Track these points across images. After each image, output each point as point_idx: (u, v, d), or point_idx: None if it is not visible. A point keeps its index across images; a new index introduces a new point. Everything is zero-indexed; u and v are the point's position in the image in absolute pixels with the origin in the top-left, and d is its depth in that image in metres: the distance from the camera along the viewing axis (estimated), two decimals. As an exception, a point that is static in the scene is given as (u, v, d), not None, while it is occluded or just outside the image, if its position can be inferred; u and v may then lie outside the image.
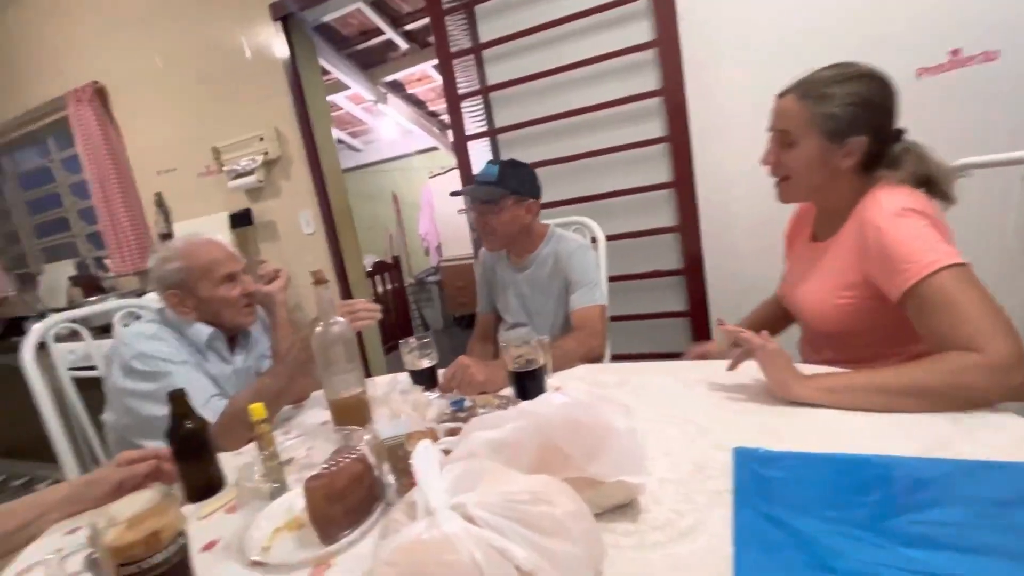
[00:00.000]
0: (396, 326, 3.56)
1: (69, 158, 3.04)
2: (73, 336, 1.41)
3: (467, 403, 0.79)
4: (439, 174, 5.46)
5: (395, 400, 0.80)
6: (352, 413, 0.87)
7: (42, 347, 1.21)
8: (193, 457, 0.77)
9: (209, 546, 0.64)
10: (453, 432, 0.69)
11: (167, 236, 2.70)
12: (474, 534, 0.41)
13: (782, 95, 0.89)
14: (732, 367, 0.88)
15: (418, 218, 5.94)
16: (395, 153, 5.92)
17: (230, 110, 2.43)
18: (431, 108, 5.11)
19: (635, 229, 1.85)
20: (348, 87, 4.16)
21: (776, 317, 1.19)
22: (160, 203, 2.73)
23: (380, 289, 3.43)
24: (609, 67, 1.79)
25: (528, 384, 0.89)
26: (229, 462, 0.84)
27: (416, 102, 4.93)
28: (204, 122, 2.50)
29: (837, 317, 0.88)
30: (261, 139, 2.33)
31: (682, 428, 0.73)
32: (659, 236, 1.84)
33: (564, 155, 1.89)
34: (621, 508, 0.57)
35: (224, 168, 2.43)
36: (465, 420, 0.74)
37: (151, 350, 1.00)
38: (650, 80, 1.77)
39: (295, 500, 0.68)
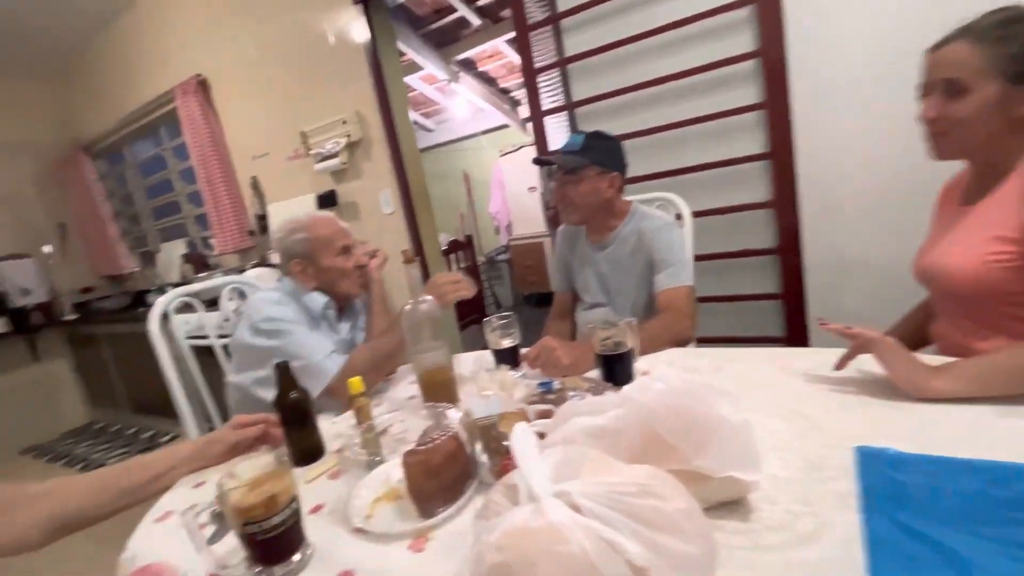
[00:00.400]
0: (470, 304, 3.63)
1: (178, 146, 3.35)
2: (187, 308, 1.56)
3: (556, 385, 0.78)
4: (510, 152, 5.43)
5: (482, 378, 0.80)
6: (439, 389, 0.89)
7: (164, 317, 1.35)
8: (297, 424, 0.82)
9: (315, 509, 0.68)
10: (544, 415, 0.68)
11: (262, 217, 2.91)
12: (583, 524, 0.40)
13: (940, 45, 0.81)
14: (840, 365, 0.79)
15: (488, 197, 5.98)
16: (466, 132, 5.96)
17: (316, 95, 2.54)
18: (502, 85, 5.07)
19: (724, 205, 1.73)
20: (422, 68, 4.22)
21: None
22: (255, 186, 2.93)
23: (454, 267, 3.51)
24: (697, 29, 1.66)
25: (616, 368, 0.86)
26: (327, 431, 0.89)
27: (487, 79, 4.91)
28: (292, 108, 2.64)
29: (985, 275, 0.78)
30: (344, 122, 2.42)
31: (790, 422, 0.67)
32: (750, 212, 1.71)
33: (646, 127, 1.79)
34: (728, 505, 0.54)
35: (311, 151, 2.55)
36: (554, 403, 0.73)
37: (276, 313, 1.10)
38: (744, 41, 1.61)
39: (391, 471, 0.71)
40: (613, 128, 1.46)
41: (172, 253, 3.57)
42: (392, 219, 2.48)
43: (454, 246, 3.75)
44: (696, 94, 1.73)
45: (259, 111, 2.79)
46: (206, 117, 2.93)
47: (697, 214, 1.59)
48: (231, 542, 0.57)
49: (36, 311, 3.50)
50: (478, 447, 0.65)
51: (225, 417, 1.16)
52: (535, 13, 1.97)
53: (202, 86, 2.93)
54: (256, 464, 0.58)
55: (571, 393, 0.75)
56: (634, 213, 1.37)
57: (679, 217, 1.53)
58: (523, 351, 1.03)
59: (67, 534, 0.77)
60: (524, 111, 5.43)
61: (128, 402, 3.51)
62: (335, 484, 0.74)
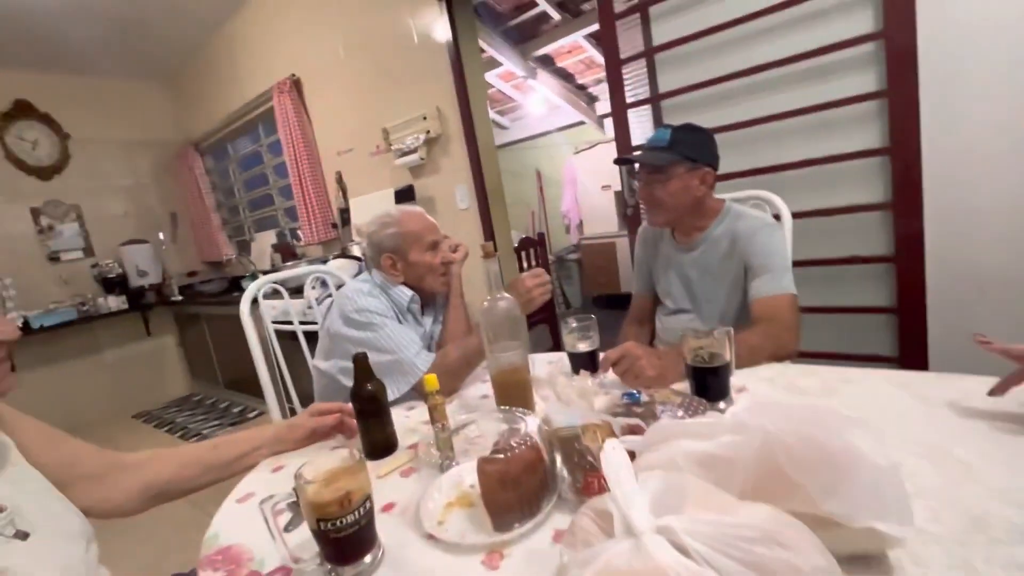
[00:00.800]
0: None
1: (273, 143, 3.58)
2: (275, 295, 1.64)
3: (642, 397, 0.71)
4: (584, 150, 5.33)
5: (560, 383, 0.75)
6: (515, 391, 0.85)
7: (254, 302, 1.42)
8: (372, 417, 0.81)
9: (387, 508, 0.66)
10: (633, 430, 0.62)
11: (345, 211, 3.04)
12: (694, 572, 0.33)
13: None
14: (999, 391, 0.66)
15: (560, 195, 5.91)
16: (540, 130, 5.92)
17: (398, 92, 2.60)
18: (579, 81, 4.97)
19: (829, 205, 1.55)
20: (500, 64, 4.23)
21: None
22: (340, 181, 3.07)
23: (526, 265, 3.48)
24: (805, 10, 1.50)
25: (710, 381, 0.77)
26: (400, 425, 0.88)
27: (565, 75, 4.84)
28: (376, 104, 2.72)
29: None
30: (424, 118, 2.46)
31: (938, 465, 0.56)
32: (859, 215, 1.52)
33: (740, 120, 1.65)
34: (862, 560, 0.45)
35: (392, 147, 2.62)
36: (642, 416, 0.66)
37: (369, 305, 1.12)
38: (863, 21, 1.43)
39: (463, 475, 0.68)
40: (704, 121, 1.35)
41: (264, 242, 3.83)
42: (467, 215, 2.49)
43: (525, 243, 3.73)
44: (799, 83, 1.56)
45: (345, 108, 2.91)
46: (298, 115, 3.10)
47: (797, 215, 1.44)
48: (306, 534, 0.56)
49: (150, 291, 3.90)
50: (559, 460, 0.60)
51: (306, 400, 1.19)
52: (620, 1, 1.88)
53: (296, 85, 3.11)
54: (333, 458, 0.56)
55: (660, 407, 0.68)
56: (727, 213, 1.25)
57: (777, 218, 1.39)
58: (602, 355, 0.97)
59: (161, 503, 0.81)
60: (601, 107, 5.29)
61: (223, 378, 3.83)
62: (407, 482, 0.72)
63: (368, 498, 0.54)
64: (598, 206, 5.36)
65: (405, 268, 1.21)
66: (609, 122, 5.28)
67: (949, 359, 1.47)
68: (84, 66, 3.68)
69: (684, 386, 0.83)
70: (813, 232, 1.57)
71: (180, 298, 3.94)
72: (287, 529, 0.64)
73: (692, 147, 1.21)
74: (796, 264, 1.35)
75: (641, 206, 1.97)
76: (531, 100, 5.28)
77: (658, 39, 1.82)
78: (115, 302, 3.69)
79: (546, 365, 1.08)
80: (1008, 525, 0.46)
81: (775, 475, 0.44)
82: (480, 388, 1.07)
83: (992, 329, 1.42)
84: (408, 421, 0.95)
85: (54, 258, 3.69)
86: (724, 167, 1.31)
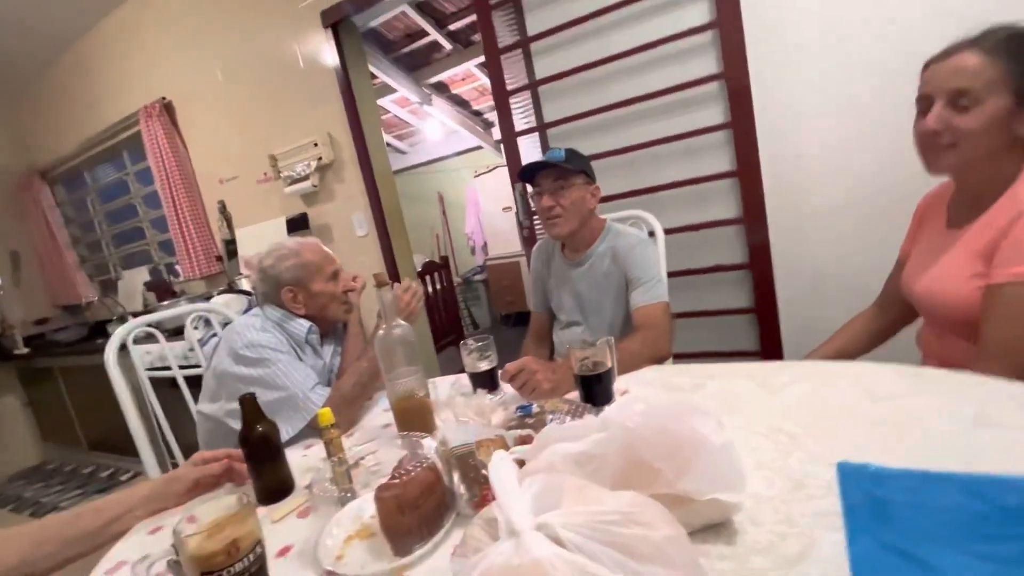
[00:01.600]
0: (447, 325, 3.59)
1: (142, 171, 3.25)
2: (148, 339, 1.49)
3: (534, 408, 0.76)
4: (483, 173, 5.47)
5: (458, 404, 0.77)
6: (415, 417, 0.86)
7: (123, 348, 1.28)
8: (264, 459, 0.77)
9: (283, 552, 0.64)
10: (524, 440, 0.66)
11: (231, 242, 2.83)
12: (567, 560, 0.38)
13: (945, 56, 0.81)
14: None
15: (464, 218, 6.00)
16: (439, 154, 5.98)
17: (285, 118, 2.51)
18: (475, 107, 5.12)
19: (695, 221, 1.76)
20: (395, 90, 4.23)
21: (871, 333, 1.08)
22: (223, 210, 2.86)
23: (431, 288, 3.47)
24: (663, 52, 1.71)
25: (596, 388, 0.84)
26: (296, 464, 0.85)
27: (460, 102, 4.96)
28: (261, 131, 2.60)
29: (974, 304, 0.79)
30: (315, 144, 2.39)
31: (772, 439, 0.67)
32: (721, 228, 1.75)
33: (617, 147, 1.83)
34: (713, 528, 0.52)
35: (281, 174, 2.51)
36: (534, 427, 0.71)
37: (260, 340, 1.06)
38: (708, 64, 1.67)
39: (364, 506, 0.68)
40: (585, 148, 1.48)
41: (134, 281, 3.43)
42: (365, 241, 2.45)
43: (430, 267, 3.72)
44: (664, 114, 1.77)
45: (226, 134, 2.74)
46: (171, 141, 2.86)
47: (669, 231, 1.62)
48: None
49: (-15, 344, 3.30)
50: (456, 477, 0.62)
51: (190, 452, 1.09)
52: (505, 37, 2.00)
53: (167, 109, 2.87)
54: (218, 506, 0.54)
55: (550, 416, 0.74)
56: (608, 231, 1.38)
57: (652, 234, 1.55)
58: (501, 372, 1.01)
59: None
60: (497, 132, 5.48)
61: (85, 439, 3.32)
62: (304, 523, 0.70)
63: (258, 543, 0.52)
64: (501, 227, 5.51)
65: (307, 299, 1.17)
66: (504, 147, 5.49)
67: (800, 348, 1.72)
68: None
69: (576, 395, 0.90)
70: (683, 245, 1.77)
71: (26, 351, 3.37)
72: (167, 593, 0.59)
73: (585, 164, 1.33)
74: (669, 275, 1.52)
75: (537, 223, 2.08)
76: (428, 125, 5.33)
77: (540, 73, 1.96)
78: (-65, 362, 3.07)
79: (447, 387, 1.10)
80: (820, 482, 0.57)
81: (638, 465, 0.50)
82: (382, 417, 1.06)
83: (830, 320, 1.70)
84: (306, 460, 0.91)
85: None
86: (604, 189, 1.45)
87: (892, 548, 0.47)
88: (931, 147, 0.84)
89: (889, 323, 1.08)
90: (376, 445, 0.80)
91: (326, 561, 0.58)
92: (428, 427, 0.85)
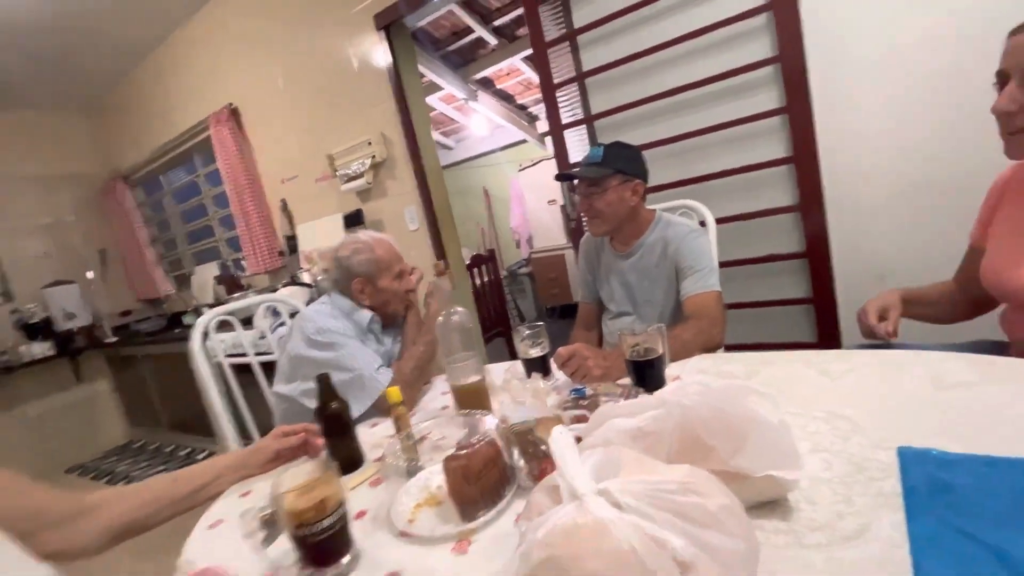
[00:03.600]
0: (494, 317, 3.66)
1: (211, 172, 3.49)
2: (221, 328, 1.62)
3: (588, 391, 0.79)
4: (528, 167, 5.50)
5: (515, 387, 0.81)
6: (473, 399, 0.91)
7: (205, 336, 1.40)
8: (337, 434, 0.85)
9: (360, 515, 0.70)
10: (579, 420, 0.70)
11: (291, 238, 3.01)
12: (628, 520, 0.41)
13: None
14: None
15: (509, 212, 6.05)
16: (484, 149, 6.06)
17: (341, 119, 2.63)
18: (520, 101, 5.15)
19: (747, 210, 1.72)
20: (441, 88, 4.32)
21: (952, 303, 1.02)
22: (285, 208, 3.04)
23: (478, 281, 3.54)
24: (714, 38, 1.68)
25: (647, 373, 0.86)
26: (364, 440, 0.92)
27: (505, 96, 4.99)
28: (319, 132, 2.74)
29: None
30: (369, 143, 2.50)
31: (831, 424, 0.67)
32: (776, 217, 1.70)
33: (666, 137, 1.81)
34: (769, 505, 0.54)
35: (338, 172, 2.64)
36: (588, 408, 0.74)
37: (330, 325, 1.15)
38: (762, 48, 1.62)
39: (430, 478, 0.73)
40: (633, 138, 1.49)
41: (206, 275, 3.69)
42: (417, 235, 2.54)
43: (477, 260, 3.80)
44: (715, 101, 1.74)
45: (288, 136, 2.90)
46: (237, 144, 3.06)
47: (720, 220, 1.59)
48: (283, 546, 0.59)
49: (79, 334, 3.66)
50: (516, 453, 0.66)
51: (264, 431, 1.20)
52: (551, 31, 2.02)
53: (234, 114, 3.06)
54: (301, 472, 0.60)
55: (604, 398, 0.76)
56: (658, 221, 1.38)
57: (703, 224, 1.53)
58: (552, 358, 1.04)
59: (122, 541, 0.81)
60: (542, 126, 5.49)
61: (166, 421, 3.63)
62: (376, 491, 0.76)
63: (342, 503, 0.58)
64: (545, 220, 5.52)
65: (373, 293, 1.26)
66: (550, 140, 5.49)
67: (859, 340, 1.66)
68: (-7, 99, 3.46)
69: (627, 381, 0.92)
70: (736, 235, 1.73)
71: (114, 339, 3.71)
72: (264, 544, 0.67)
73: (624, 161, 1.33)
74: (721, 264, 1.50)
75: (583, 217, 2.10)
76: (474, 121, 5.41)
77: (587, 64, 1.96)
78: (39, 349, 3.44)
79: (501, 373, 1.15)
80: (880, 465, 0.57)
81: (693, 442, 0.52)
82: (439, 400, 1.12)
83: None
84: (372, 436, 0.98)
85: (-37, 307, 3.41)
86: (653, 179, 1.45)
87: (954, 528, 0.47)
88: (1006, 129, 0.78)
89: (967, 305, 1.01)
90: (437, 424, 0.85)
91: (399, 523, 0.63)
92: (485, 408, 0.90)
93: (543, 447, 0.63)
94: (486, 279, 3.73)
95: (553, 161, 2.15)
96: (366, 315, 1.26)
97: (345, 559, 0.58)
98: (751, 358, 0.95)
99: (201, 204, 3.75)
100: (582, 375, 0.97)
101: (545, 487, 0.51)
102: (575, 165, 1.40)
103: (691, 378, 0.94)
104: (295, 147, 2.88)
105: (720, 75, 1.67)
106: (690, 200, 1.60)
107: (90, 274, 3.97)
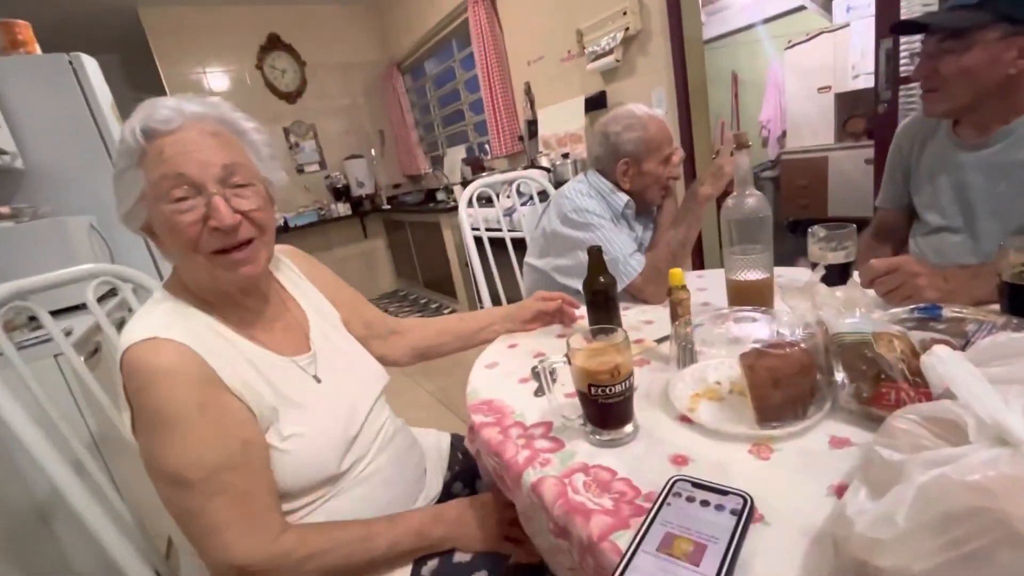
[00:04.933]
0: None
1: (465, 58, 3.70)
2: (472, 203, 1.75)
3: (946, 312, 0.59)
4: (799, 43, 4.43)
5: (821, 292, 0.66)
6: (754, 298, 0.79)
7: (469, 204, 1.54)
8: (602, 308, 0.84)
9: (630, 390, 0.69)
10: (938, 344, 0.53)
11: (532, 123, 3.06)
12: None
13: None
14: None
15: (760, 102, 5.10)
16: (743, 23, 5.04)
17: (595, -14, 2.42)
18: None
19: None
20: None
21: None
22: (528, 91, 3.07)
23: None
24: None
25: (1041, 305, 0.61)
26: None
27: (789, -55, 3.94)
28: (570, 4, 2.58)
29: None
30: (624, 14, 2.26)
31: None
32: None
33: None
34: None
35: (586, 50, 2.49)
36: (947, 333, 0.56)
37: (587, 206, 1.14)
38: None
39: (707, 370, 0.67)
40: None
41: (455, 157, 4.12)
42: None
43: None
44: None
45: (538, 12, 2.82)
46: (491, 25, 3.11)
47: None
48: (557, 399, 0.62)
49: (365, 200, 4.56)
50: (838, 367, 0.54)
51: (513, 299, 1.29)
52: None
53: (490, -7, 3.09)
54: (603, 337, 0.59)
55: (972, 326, 0.57)
56: (1063, 99, 0.92)
57: None
58: (860, 270, 0.83)
59: (422, 360, 0.99)
60: (832, -16, 4.25)
61: (423, 278, 4.40)
62: (643, 371, 0.74)
63: (632, 375, 0.56)
64: (810, 113, 4.52)
65: (635, 175, 1.18)
66: (839, 4, 4.24)
67: None
68: (308, -5, 4.15)
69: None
70: None
71: (388, 207, 4.53)
72: (537, 394, 0.72)
73: (1021, 3, 0.89)
74: None
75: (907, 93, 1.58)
76: (739, -16, 4.47)
77: None
78: (343, 208, 4.41)
79: (777, 277, 0.98)
80: None
81: None
82: (697, 296, 1.03)
83: None
84: (626, 320, 0.96)
85: (300, 170, 4.51)
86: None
87: None
88: None
89: None
90: (704, 319, 0.77)
91: (680, 407, 0.59)
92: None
93: (890, 369, 0.50)
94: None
95: (837, 34, 1.64)
96: (622, 198, 1.19)
97: (628, 428, 0.57)
98: None
99: (455, 89, 4.07)
100: (905, 296, 0.75)
101: (920, 416, 0.39)
102: (910, 20, 0.99)
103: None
104: (545, 24, 2.79)
105: None
106: None
107: (373, 151, 4.81)
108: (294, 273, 0.85)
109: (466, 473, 0.90)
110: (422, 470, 0.85)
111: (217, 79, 4.04)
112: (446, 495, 0.86)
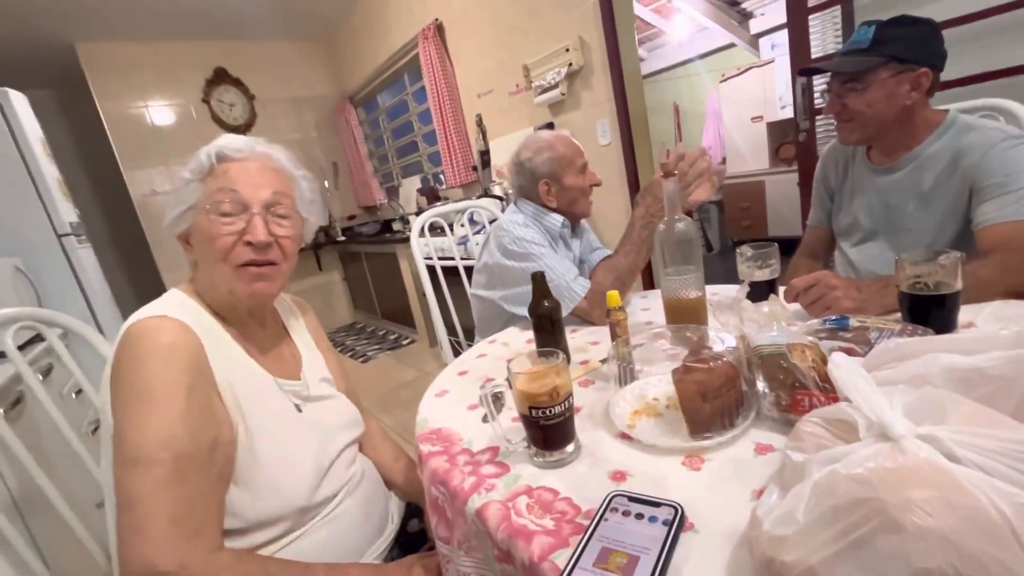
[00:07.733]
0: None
1: (418, 91, 3.76)
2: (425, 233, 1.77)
3: (852, 322, 0.65)
4: (732, 76, 4.76)
5: (746, 308, 0.71)
6: (689, 316, 0.83)
7: (420, 234, 1.55)
8: (548, 331, 0.86)
9: (575, 410, 0.71)
10: (846, 352, 0.57)
11: (485, 153, 3.13)
12: (982, 478, 0.31)
13: None
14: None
15: (701, 130, 5.42)
16: (681, 58, 5.40)
17: (539, 25, 2.53)
18: (733, -6, 4.37)
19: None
20: (642, -15, 3.88)
21: None
22: (479, 123, 3.14)
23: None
24: None
25: (935, 314, 0.67)
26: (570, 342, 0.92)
27: (715, -10, 4.29)
28: (516, 41, 2.69)
29: None
30: (567, 50, 2.37)
31: None
32: None
33: (962, 14, 1.33)
34: None
35: (533, 84, 2.59)
36: (852, 342, 0.61)
37: (525, 235, 1.16)
38: None
39: (646, 387, 0.70)
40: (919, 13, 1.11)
41: (410, 187, 4.14)
42: (608, 151, 2.41)
43: (663, 183, 3.54)
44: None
45: (486, 49, 2.92)
46: (441, 60, 3.20)
47: (1049, 127, 1.14)
48: (505, 424, 0.63)
49: (320, 231, 4.48)
50: (759, 377, 0.58)
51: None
52: None
53: (439, 30, 3.19)
54: (541, 360, 0.61)
55: (874, 333, 0.62)
56: (951, 125, 1.04)
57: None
58: (785, 287, 0.90)
59: None
60: (756, 24, 4.63)
61: (380, 309, 4.33)
62: (587, 391, 0.77)
63: (571, 395, 0.58)
64: (746, 140, 4.82)
65: (559, 192, 1.22)
66: (765, 42, 4.61)
67: None
68: (260, 32, 4.15)
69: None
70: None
71: (343, 238, 4.47)
72: (484, 420, 0.72)
73: (903, 45, 1.01)
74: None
75: (823, 126, 1.73)
76: (675, 24, 4.81)
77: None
78: (295, 241, 4.31)
79: (711, 296, 1.04)
80: None
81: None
82: (641, 315, 1.07)
83: None
84: (573, 342, 0.99)
85: (249, 204, 4.39)
86: (949, 71, 1.08)
87: None
88: None
89: None
90: (649, 336, 0.80)
91: (620, 424, 0.62)
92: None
93: (798, 376, 0.54)
94: (673, 203, 3.46)
95: (765, 69, 1.78)
96: (557, 218, 1.23)
97: (570, 447, 0.59)
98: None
99: (409, 121, 4.12)
100: (825, 307, 0.82)
101: (823, 419, 0.43)
102: (832, 55, 1.11)
103: (989, 328, 0.72)
104: (492, 59, 2.90)
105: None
106: (1000, 99, 1.18)
107: (326, 183, 4.76)
108: (297, 320, 0.93)
109: (421, 511, 0.91)
110: (387, 511, 0.86)
111: (160, 113, 3.93)
112: (402, 531, 0.85)
